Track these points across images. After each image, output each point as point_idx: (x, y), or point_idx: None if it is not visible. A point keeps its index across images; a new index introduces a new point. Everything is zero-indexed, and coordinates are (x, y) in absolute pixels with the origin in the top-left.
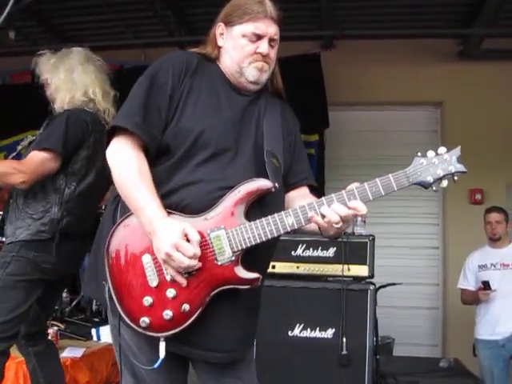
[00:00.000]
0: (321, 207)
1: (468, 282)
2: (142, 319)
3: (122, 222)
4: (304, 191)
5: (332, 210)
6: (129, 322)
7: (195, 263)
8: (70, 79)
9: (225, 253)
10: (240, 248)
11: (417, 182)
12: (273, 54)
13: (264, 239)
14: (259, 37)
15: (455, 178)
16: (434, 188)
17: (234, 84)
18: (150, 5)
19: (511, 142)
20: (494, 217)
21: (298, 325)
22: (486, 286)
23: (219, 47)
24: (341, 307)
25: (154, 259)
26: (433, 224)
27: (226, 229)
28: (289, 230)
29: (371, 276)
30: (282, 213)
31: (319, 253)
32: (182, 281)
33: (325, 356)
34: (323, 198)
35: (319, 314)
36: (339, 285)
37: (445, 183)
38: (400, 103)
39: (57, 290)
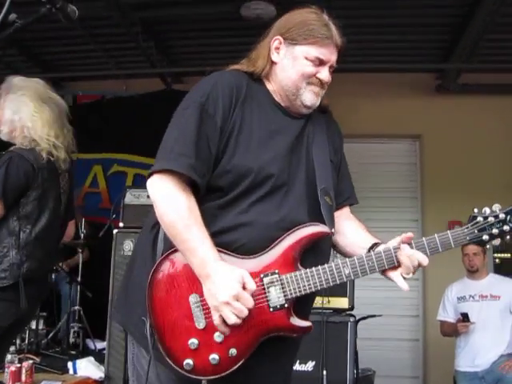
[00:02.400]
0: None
1: (447, 313)
2: (187, 362)
3: (167, 256)
4: (346, 211)
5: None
6: (171, 363)
7: (246, 314)
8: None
9: (278, 299)
10: (294, 295)
11: (474, 241)
12: (330, 79)
13: (319, 288)
14: (322, 62)
15: (508, 237)
16: (488, 246)
17: (284, 106)
18: (132, 36)
19: (488, 175)
20: (471, 249)
21: None
22: (464, 318)
23: (272, 62)
24: (321, 339)
25: (202, 300)
26: None
27: (281, 274)
28: (345, 280)
29: (351, 308)
30: (340, 262)
31: None
32: (225, 330)
33: None
34: (381, 250)
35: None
36: (319, 317)
37: (497, 242)
38: (379, 136)
39: (8, 340)
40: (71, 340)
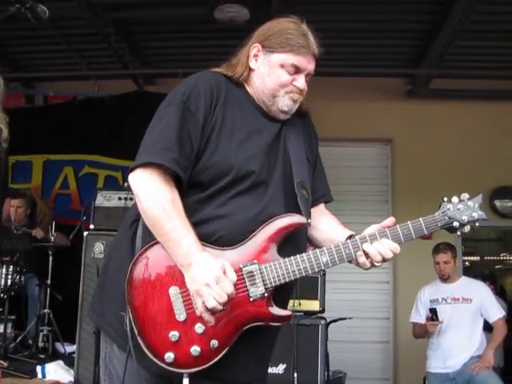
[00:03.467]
0: (363, 244)
1: (420, 315)
2: (168, 355)
3: (145, 251)
4: (321, 207)
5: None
6: (152, 356)
7: (225, 300)
8: None
9: (257, 289)
10: (274, 284)
11: (445, 227)
12: (306, 87)
13: (298, 276)
14: (297, 70)
15: (477, 224)
16: (459, 233)
17: (263, 109)
18: (104, 37)
19: (458, 178)
20: (442, 257)
21: None
22: (433, 314)
23: (250, 69)
24: (292, 342)
25: (183, 292)
26: None
27: (260, 264)
28: (323, 268)
29: (322, 311)
30: (317, 251)
31: None
32: (210, 319)
33: None
34: (357, 238)
35: None
36: (290, 320)
37: (467, 229)
38: (351, 139)
39: None
40: (40, 344)
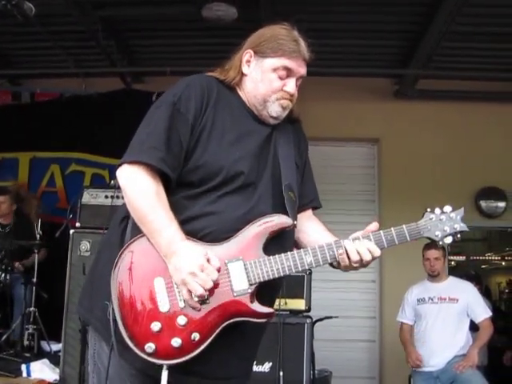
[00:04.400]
0: (339, 249)
1: (405, 315)
2: (148, 345)
3: (131, 243)
4: (309, 213)
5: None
6: (133, 346)
7: (211, 286)
8: None
9: (241, 284)
10: (257, 281)
11: (427, 236)
12: (297, 91)
13: (282, 274)
14: (289, 73)
15: (458, 235)
16: (441, 243)
17: (254, 113)
18: (92, 34)
19: (445, 179)
20: (433, 253)
21: None
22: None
23: (243, 74)
24: (278, 341)
25: (167, 283)
26: None
27: (245, 260)
28: (306, 267)
29: (308, 309)
30: (302, 251)
31: None
32: (196, 305)
33: None
34: (341, 240)
35: None
36: (276, 318)
37: (449, 239)
38: (338, 139)
39: None
40: (25, 342)
